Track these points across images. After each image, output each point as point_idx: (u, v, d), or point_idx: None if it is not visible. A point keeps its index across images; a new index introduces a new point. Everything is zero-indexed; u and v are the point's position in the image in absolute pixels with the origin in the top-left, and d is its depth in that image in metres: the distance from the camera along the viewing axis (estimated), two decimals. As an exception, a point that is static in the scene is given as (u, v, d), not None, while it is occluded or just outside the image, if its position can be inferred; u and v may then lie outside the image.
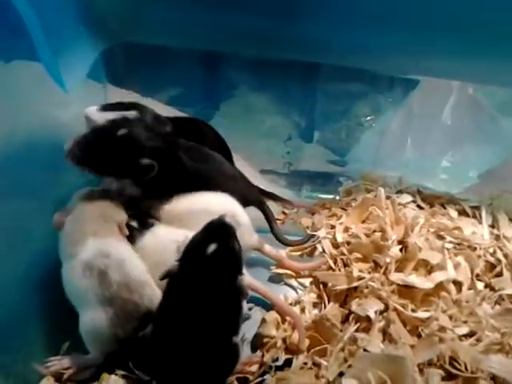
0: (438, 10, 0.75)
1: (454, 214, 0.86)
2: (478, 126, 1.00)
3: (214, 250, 0.58)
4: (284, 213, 0.94)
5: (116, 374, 0.60)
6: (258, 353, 0.66)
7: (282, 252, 0.81)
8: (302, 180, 1.04)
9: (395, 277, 0.71)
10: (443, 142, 1.02)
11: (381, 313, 0.68)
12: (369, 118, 1.00)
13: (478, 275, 0.77)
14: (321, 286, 0.75)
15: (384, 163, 1.02)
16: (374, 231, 0.78)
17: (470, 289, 0.74)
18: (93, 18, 0.75)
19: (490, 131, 1.00)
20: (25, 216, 0.65)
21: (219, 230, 0.60)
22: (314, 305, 0.73)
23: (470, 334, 0.65)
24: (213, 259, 0.58)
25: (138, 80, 0.89)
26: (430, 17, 0.76)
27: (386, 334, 0.66)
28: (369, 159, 1.03)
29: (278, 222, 0.86)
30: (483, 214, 0.87)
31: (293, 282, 0.79)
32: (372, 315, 0.67)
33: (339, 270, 0.74)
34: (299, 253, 0.83)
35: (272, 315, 0.69)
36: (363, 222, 0.82)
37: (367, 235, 0.77)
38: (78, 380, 0.63)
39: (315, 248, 0.82)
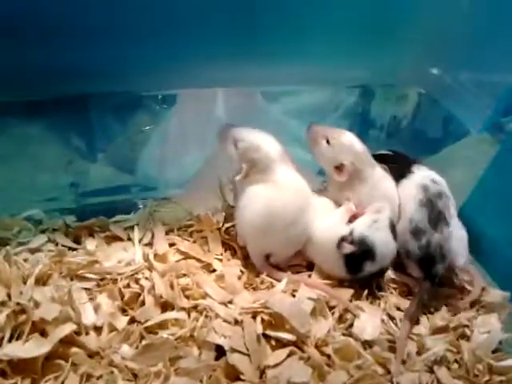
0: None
1: (91, 246, 0.74)
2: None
3: None
4: None
5: None
6: None
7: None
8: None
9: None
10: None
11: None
12: (148, 127, 0.91)
13: (123, 310, 0.65)
14: None
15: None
16: None
17: (111, 330, 0.62)
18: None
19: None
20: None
21: None
22: None
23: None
24: None
25: None
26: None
27: None
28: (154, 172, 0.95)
29: None
30: (135, 232, 0.76)
31: None
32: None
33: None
34: None
35: None
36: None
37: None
38: None
39: None
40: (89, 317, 0.63)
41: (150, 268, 0.69)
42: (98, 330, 0.62)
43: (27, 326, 0.58)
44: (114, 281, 0.67)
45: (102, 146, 0.91)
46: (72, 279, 0.67)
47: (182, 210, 0.85)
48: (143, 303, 0.65)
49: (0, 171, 0.81)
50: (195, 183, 0.93)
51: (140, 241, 0.76)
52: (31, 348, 0.56)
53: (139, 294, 0.66)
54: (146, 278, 0.68)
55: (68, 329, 0.58)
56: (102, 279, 0.68)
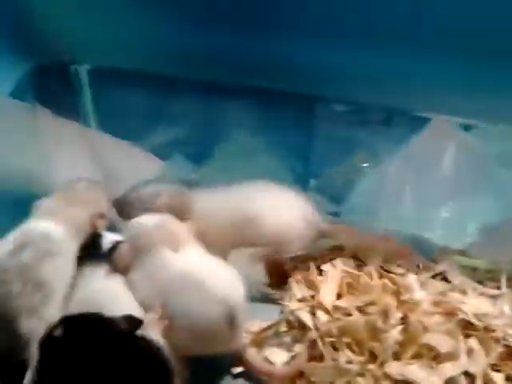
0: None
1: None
2: (479, 176, 0.86)
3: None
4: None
5: None
6: None
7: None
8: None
9: (393, 369, 0.55)
10: (442, 192, 0.87)
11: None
12: (366, 164, 0.88)
13: (495, 365, 0.61)
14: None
15: (379, 214, 0.87)
16: (367, 306, 0.62)
17: (485, 383, 0.58)
18: (26, 32, 0.62)
19: (491, 183, 0.86)
20: None
21: None
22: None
23: None
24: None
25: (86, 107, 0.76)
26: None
27: None
28: (364, 209, 0.88)
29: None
30: (503, 282, 0.71)
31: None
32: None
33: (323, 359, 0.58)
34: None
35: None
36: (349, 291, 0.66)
37: (361, 310, 0.62)
38: None
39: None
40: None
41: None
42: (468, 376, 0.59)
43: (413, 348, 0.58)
44: (489, 330, 0.63)
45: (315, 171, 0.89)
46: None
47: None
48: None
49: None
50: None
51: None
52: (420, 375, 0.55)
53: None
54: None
55: (456, 369, 0.56)
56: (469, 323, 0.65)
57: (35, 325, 0.51)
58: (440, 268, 0.71)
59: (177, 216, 0.64)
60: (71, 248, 0.59)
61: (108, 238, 0.63)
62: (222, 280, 0.57)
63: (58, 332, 0.48)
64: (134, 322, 0.51)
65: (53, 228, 0.58)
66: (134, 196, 0.68)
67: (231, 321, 0.55)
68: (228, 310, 0.55)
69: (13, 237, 0.56)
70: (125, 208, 0.67)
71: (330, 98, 0.83)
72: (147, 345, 0.49)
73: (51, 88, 0.77)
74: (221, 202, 0.69)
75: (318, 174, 0.89)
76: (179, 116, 0.87)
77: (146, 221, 0.62)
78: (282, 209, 0.68)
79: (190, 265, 0.58)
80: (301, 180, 0.88)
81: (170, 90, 0.84)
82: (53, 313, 0.53)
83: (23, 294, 0.52)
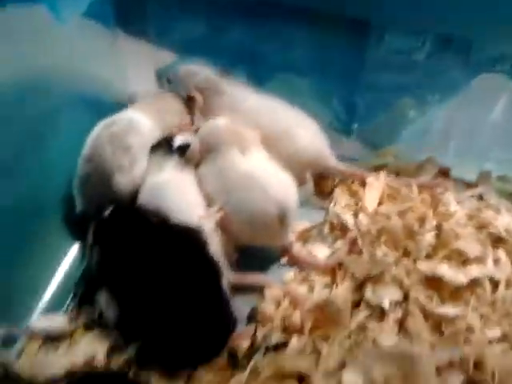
0: None
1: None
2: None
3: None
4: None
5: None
6: (251, 327, 0.58)
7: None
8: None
9: (424, 266, 0.62)
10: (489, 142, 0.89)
11: (399, 303, 0.59)
12: (413, 111, 0.88)
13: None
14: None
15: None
16: (406, 212, 0.68)
17: (507, 288, 0.64)
18: None
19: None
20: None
21: None
22: (326, 285, 0.64)
23: (503, 339, 0.55)
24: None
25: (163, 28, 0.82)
26: None
27: (402, 328, 0.57)
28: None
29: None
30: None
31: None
32: (386, 304, 0.58)
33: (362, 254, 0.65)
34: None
35: (273, 290, 0.61)
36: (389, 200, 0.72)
37: (400, 216, 0.68)
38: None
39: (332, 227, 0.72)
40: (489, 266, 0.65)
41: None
42: (492, 282, 0.64)
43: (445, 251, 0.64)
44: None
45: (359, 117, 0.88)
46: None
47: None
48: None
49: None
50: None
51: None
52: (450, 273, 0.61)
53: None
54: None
55: (482, 271, 0.62)
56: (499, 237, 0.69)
57: (125, 181, 0.65)
58: (479, 190, 0.76)
59: (207, 99, 0.74)
60: (153, 134, 0.70)
61: (179, 136, 0.70)
62: (280, 184, 0.65)
63: (106, 214, 0.58)
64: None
65: (141, 116, 0.70)
66: (174, 71, 0.78)
67: (283, 219, 0.63)
68: (282, 210, 0.63)
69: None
70: (163, 79, 0.78)
71: (383, 28, 0.81)
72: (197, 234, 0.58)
73: (128, 7, 0.82)
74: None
75: (362, 119, 0.89)
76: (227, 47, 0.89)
77: (217, 122, 0.70)
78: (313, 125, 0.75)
79: (255, 167, 0.66)
80: (344, 124, 0.89)
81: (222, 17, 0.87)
82: (138, 174, 0.66)
83: (114, 157, 0.64)
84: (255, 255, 0.67)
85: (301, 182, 0.71)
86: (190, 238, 0.57)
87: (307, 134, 0.73)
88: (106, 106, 0.77)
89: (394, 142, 0.87)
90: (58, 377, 0.51)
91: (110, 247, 0.56)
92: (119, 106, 0.74)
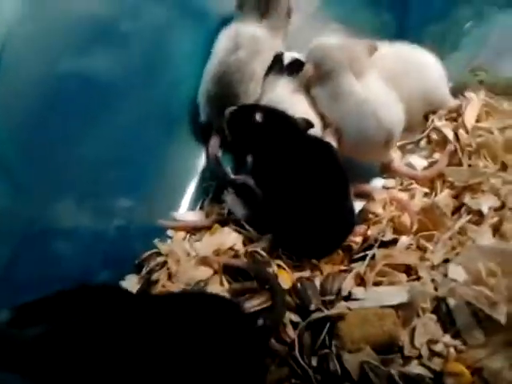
0: None
1: None
2: None
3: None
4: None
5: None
6: (364, 226, 0.66)
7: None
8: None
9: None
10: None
11: (496, 210, 0.65)
12: (469, 23, 0.88)
13: None
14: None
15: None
16: (506, 128, 0.72)
17: None
18: None
19: None
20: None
21: None
22: (425, 194, 0.71)
23: None
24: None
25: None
26: None
27: (497, 232, 0.64)
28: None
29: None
30: None
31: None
32: (485, 210, 0.64)
33: (462, 164, 0.70)
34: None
35: (381, 194, 0.69)
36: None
37: (500, 131, 0.72)
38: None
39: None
40: None
41: None
42: None
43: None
44: None
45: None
46: None
47: None
48: None
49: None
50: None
51: None
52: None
53: None
54: None
55: None
56: None
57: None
58: None
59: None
60: (274, 44, 0.75)
61: (289, 55, 0.75)
62: (390, 109, 0.71)
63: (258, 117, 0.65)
64: (310, 124, 0.67)
65: (259, 30, 0.74)
66: None
67: (388, 141, 0.70)
68: (389, 136, 0.70)
69: (227, 36, 0.74)
70: None
71: None
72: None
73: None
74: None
75: (417, 31, 0.87)
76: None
77: (331, 43, 0.72)
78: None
79: (368, 94, 0.70)
80: (400, 36, 0.85)
81: None
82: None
83: (242, 82, 0.71)
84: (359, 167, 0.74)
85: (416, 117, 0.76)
86: (327, 149, 0.65)
87: (436, 75, 0.77)
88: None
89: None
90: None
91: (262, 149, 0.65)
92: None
